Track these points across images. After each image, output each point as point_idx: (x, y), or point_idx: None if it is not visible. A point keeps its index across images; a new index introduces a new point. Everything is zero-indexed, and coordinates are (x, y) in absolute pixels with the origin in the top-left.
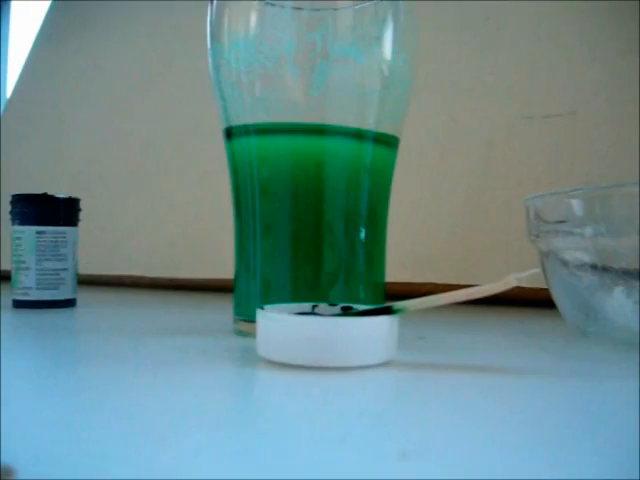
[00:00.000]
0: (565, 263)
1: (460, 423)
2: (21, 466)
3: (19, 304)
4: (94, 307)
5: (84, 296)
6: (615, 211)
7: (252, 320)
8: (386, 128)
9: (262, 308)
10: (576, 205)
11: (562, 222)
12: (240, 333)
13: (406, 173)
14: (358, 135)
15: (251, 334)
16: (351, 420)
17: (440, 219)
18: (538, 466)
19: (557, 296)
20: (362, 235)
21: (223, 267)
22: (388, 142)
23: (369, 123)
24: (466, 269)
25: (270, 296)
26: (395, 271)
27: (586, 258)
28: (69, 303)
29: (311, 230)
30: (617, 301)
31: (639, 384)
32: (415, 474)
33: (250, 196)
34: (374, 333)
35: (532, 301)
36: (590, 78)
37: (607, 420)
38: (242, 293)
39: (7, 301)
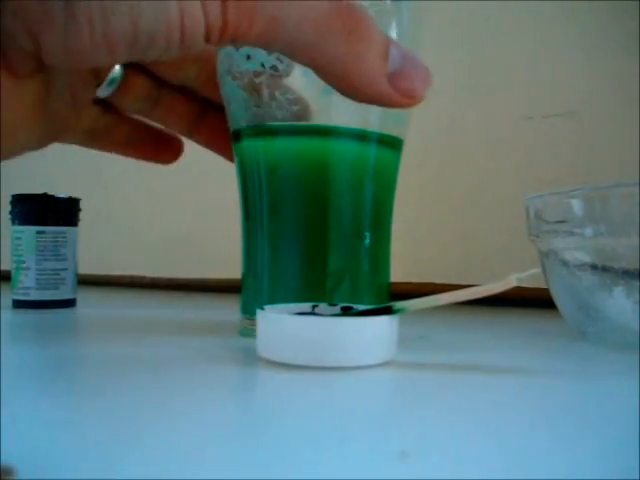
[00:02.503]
0: (565, 263)
1: (460, 423)
2: (21, 466)
3: (19, 304)
4: (94, 307)
5: (84, 296)
6: (615, 211)
7: None
8: (390, 130)
9: (262, 308)
10: (576, 205)
11: (562, 222)
12: (245, 330)
13: (406, 173)
14: (363, 137)
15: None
16: (351, 420)
17: (440, 219)
18: (538, 466)
19: (557, 296)
20: (367, 236)
21: (223, 267)
22: (392, 144)
23: (374, 125)
24: (466, 269)
25: (276, 297)
26: (395, 271)
27: (586, 258)
28: (69, 303)
29: (317, 232)
30: (617, 301)
31: (639, 384)
32: (415, 474)
33: (258, 199)
34: (374, 333)
35: (532, 301)
36: (590, 78)
37: (607, 420)
38: (249, 294)
39: (7, 301)
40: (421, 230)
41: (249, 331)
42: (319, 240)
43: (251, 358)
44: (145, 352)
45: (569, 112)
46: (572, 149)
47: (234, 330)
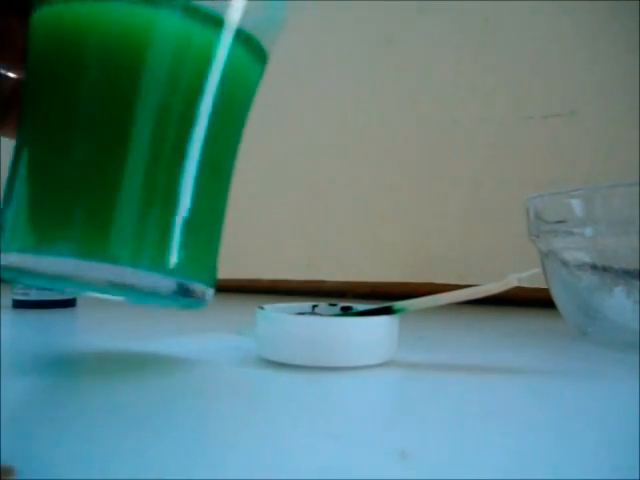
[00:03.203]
0: (565, 263)
1: (460, 423)
2: (21, 466)
3: (19, 304)
4: (94, 307)
5: (84, 296)
6: (615, 211)
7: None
8: (256, 34)
9: (262, 308)
10: (576, 205)
11: (562, 222)
12: (241, 330)
13: (407, 173)
14: (214, 21)
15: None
16: (351, 420)
17: (440, 219)
18: (538, 466)
19: (557, 296)
20: (190, 160)
21: (222, 266)
22: (255, 51)
23: (232, 15)
24: (466, 269)
25: (30, 233)
26: (395, 271)
27: (586, 258)
28: (69, 303)
29: (113, 140)
30: (617, 301)
31: (639, 384)
32: (415, 474)
33: (39, 79)
34: (374, 333)
35: (532, 301)
36: (590, 78)
37: (607, 420)
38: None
39: (7, 301)
40: (421, 230)
41: (244, 330)
42: (115, 152)
43: (251, 358)
44: (145, 352)
45: (569, 112)
46: (572, 149)
47: (234, 330)
